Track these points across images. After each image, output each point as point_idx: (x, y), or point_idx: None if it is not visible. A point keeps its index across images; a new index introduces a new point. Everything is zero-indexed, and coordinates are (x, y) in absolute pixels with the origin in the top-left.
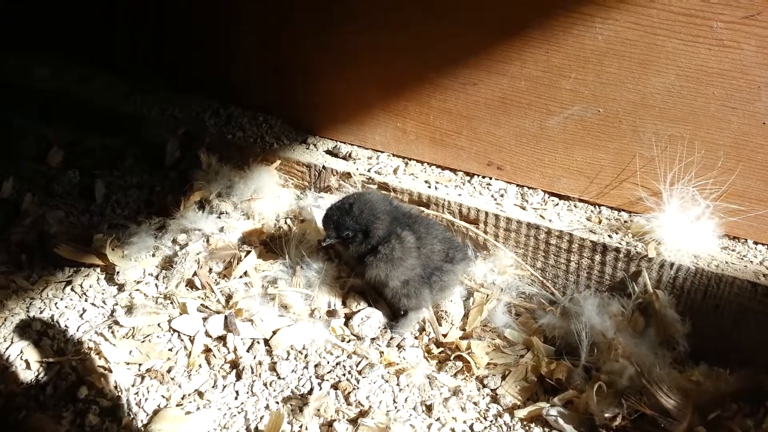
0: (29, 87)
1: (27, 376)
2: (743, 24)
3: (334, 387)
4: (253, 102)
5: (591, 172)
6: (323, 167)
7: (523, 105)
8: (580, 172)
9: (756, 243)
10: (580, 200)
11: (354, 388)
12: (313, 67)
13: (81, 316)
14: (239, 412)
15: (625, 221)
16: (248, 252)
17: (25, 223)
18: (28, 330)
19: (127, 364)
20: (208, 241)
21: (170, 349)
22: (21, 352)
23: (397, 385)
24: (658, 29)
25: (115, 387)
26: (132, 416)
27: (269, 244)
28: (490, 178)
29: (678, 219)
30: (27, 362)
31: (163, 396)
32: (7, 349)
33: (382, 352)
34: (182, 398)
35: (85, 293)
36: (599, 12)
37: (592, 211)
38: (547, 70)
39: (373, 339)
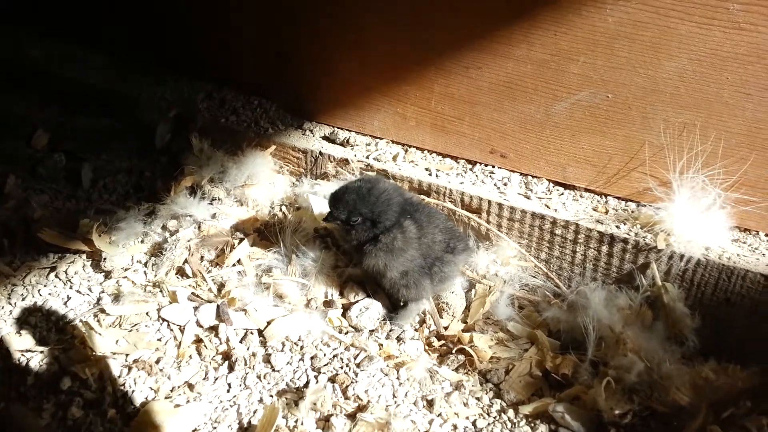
0: (16, 64)
1: (7, 365)
2: (761, 5)
3: (332, 380)
4: (249, 85)
5: (598, 161)
6: (320, 153)
7: (528, 90)
8: (587, 160)
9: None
10: (587, 190)
11: (352, 382)
12: (312, 50)
13: (65, 303)
14: (231, 406)
15: (633, 211)
16: (242, 239)
17: (8, 206)
18: (9, 317)
19: (114, 354)
20: (199, 227)
21: (159, 339)
22: (1, 340)
23: (397, 378)
24: (671, 11)
25: (101, 378)
26: (118, 409)
27: (263, 231)
28: (493, 166)
29: (688, 209)
30: (7, 351)
31: (151, 388)
32: None
33: (381, 345)
34: (171, 390)
35: (69, 280)
36: None
37: (598, 201)
38: (555, 53)
39: (371, 331)
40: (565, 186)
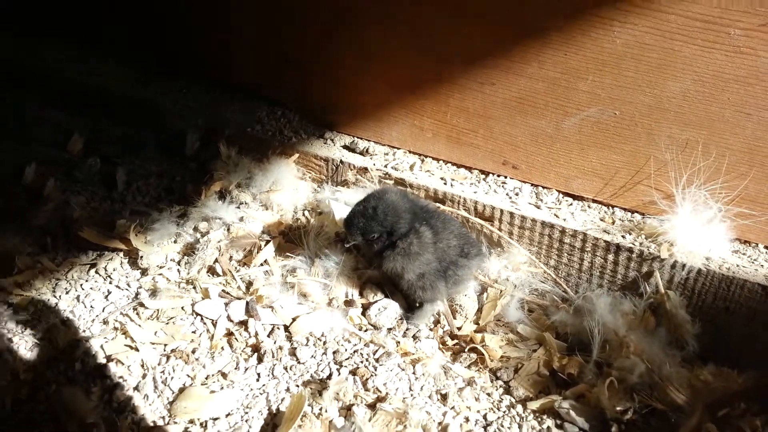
0: (45, 74)
1: (55, 353)
2: (760, 31)
3: (353, 373)
4: (272, 96)
5: (605, 174)
6: (340, 161)
7: (540, 106)
8: (595, 173)
9: (766, 247)
10: (594, 201)
11: (372, 375)
12: (333, 63)
13: (106, 297)
14: (261, 393)
15: (638, 222)
16: (268, 242)
17: (48, 207)
18: (56, 308)
19: (153, 344)
20: (228, 229)
21: (193, 332)
22: (49, 329)
23: (413, 373)
24: (676, 34)
25: (142, 365)
26: (158, 393)
27: (288, 234)
28: (506, 177)
29: (690, 222)
30: (55, 340)
31: (188, 375)
32: (36, 326)
33: (399, 342)
34: (206, 378)
35: (109, 276)
36: (618, 16)
37: (605, 212)
38: (565, 71)
39: (389, 329)
40: (574, 197)
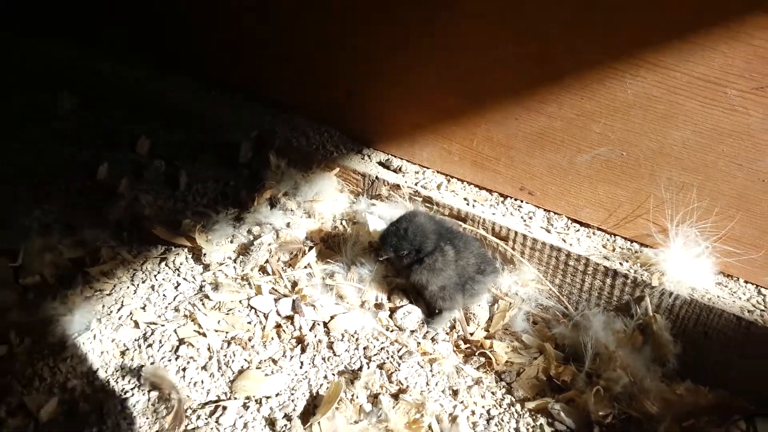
0: (117, 84)
1: (136, 333)
2: (753, 94)
3: (380, 367)
4: (317, 114)
5: (610, 206)
6: (376, 177)
7: (556, 141)
8: (601, 204)
9: (746, 282)
10: (599, 229)
11: (395, 370)
12: (374, 91)
13: (176, 288)
14: (304, 379)
15: (636, 251)
16: (311, 247)
17: (121, 204)
18: (134, 296)
19: (216, 331)
20: (277, 234)
21: (249, 322)
22: (131, 313)
23: (430, 371)
24: (680, 90)
25: (208, 348)
26: (222, 372)
27: (328, 241)
28: (522, 201)
29: (681, 255)
30: (136, 322)
31: (245, 359)
32: (119, 309)
33: (419, 343)
34: (260, 362)
35: (177, 269)
36: (630, 69)
37: (608, 240)
38: (581, 114)
39: (412, 331)
40: (581, 224)
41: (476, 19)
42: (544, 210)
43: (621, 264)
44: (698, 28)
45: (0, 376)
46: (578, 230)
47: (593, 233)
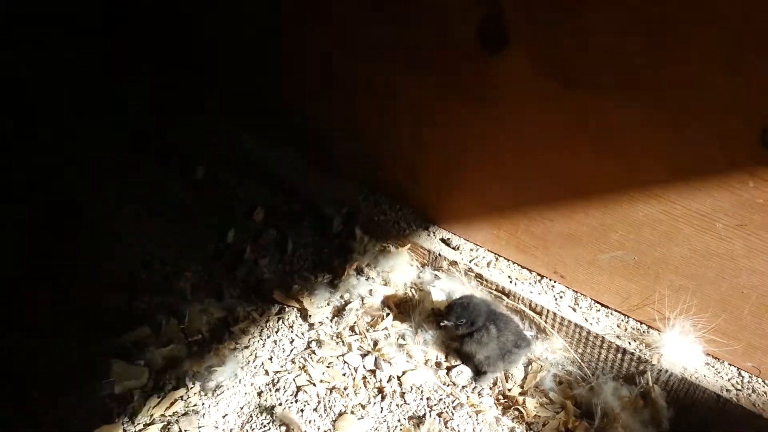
0: (236, 155)
1: (267, 379)
2: (736, 229)
3: (438, 415)
4: (394, 193)
5: (625, 294)
6: (439, 254)
7: (583, 242)
8: (617, 292)
9: (730, 365)
10: (615, 310)
11: (450, 418)
12: (439, 179)
13: (291, 342)
14: (383, 422)
15: (643, 333)
16: (388, 314)
17: (246, 266)
18: (263, 350)
19: (321, 381)
20: (362, 300)
21: (344, 374)
22: (262, 363)
23: (476, 420)
24: (680, 218)
25: (317, 395)
26: (327, 414)
27: (400, 306)
28: (555, 282)
29: (677, 340)
30: (266, 371)
31: (342, 405)
32: (254, 360)
33: (468, 396)
34: (353, 407)
35: (291, 327)
36: (643, 198)
37: (621, 320)
38: (602, 224)
39: (463, 386)
40: (602, 305)
41: (517, 138)
42: (573, 290)
43: (629, 343)
44: (695, 178)
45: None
46: (599, 310)
47: (611, 313)
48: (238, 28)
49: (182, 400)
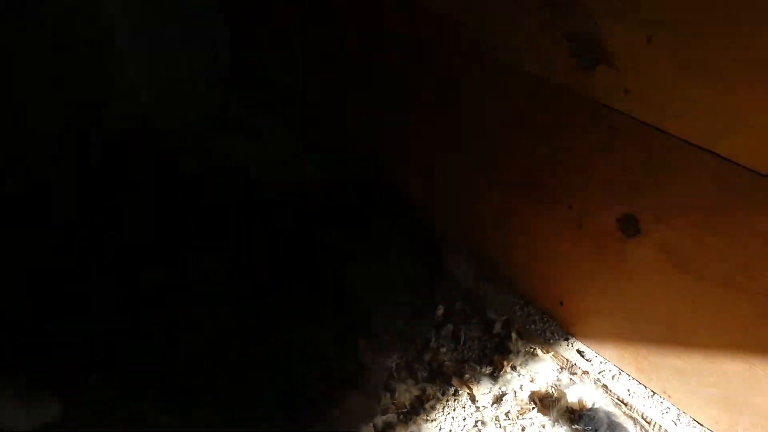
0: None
1: None
2: None
3: None
4: (544, 307)
5: (716, 419)
6: (574, 363)
7: (686, 375)
8: (711, 416)
9: None
10: (708, 429)
11: None
12: (580, 305)
13: (463, 419)
14: None
15: None
16: (533, 407)
17: (431, 352)
18: (445, 423)
19: None
20: (515, 393)
21: None
22: None
23: None
24: (762, 378)
25: None
26: None
27: (543, 401)
28: (663, 399)
29: None
30: None
31: None
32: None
33: None
34: None
35: (463, 407)
36: (735, 360)
37: None
38: (699, 369)
39: None
40: (698, 422)
41: (643, 298)
42: (677, 408)
43: None
44: None
45: None
46: (695, 427)
47: (704, 430)
48: None
49: None
